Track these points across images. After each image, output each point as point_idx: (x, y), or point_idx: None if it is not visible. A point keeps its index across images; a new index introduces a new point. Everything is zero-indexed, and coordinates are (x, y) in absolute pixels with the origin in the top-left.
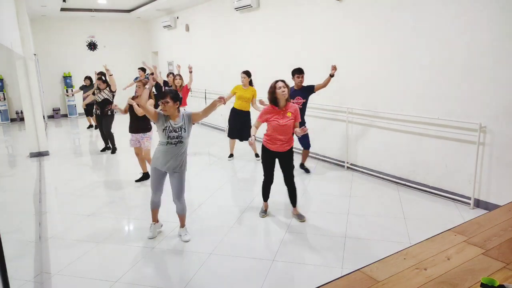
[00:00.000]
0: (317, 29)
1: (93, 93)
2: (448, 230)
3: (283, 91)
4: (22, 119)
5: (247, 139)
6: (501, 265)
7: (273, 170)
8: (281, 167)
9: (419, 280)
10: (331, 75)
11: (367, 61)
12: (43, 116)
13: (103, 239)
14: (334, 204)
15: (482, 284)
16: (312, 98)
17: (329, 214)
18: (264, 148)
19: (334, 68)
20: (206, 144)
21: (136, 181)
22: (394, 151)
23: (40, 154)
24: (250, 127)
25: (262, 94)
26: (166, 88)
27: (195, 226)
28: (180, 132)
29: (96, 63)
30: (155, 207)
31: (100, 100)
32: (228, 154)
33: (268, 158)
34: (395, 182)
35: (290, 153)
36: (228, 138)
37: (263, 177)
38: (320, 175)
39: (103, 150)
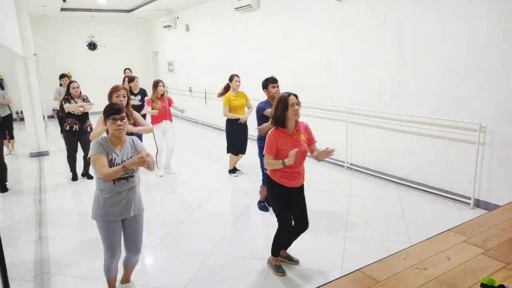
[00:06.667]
0: (317, 29)
1: (68, 102)
2: (448, 230)
3: (297, 110)
4: (22, 119)
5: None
6: (501, 265)
7: (291, 213)
8: (296, 204)
9: (419, 280)
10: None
11: (367, 61)
12: (43, 116)
13: None
14: (334, 204)
15: (482, 284)
16: (312, 98)
17: (329, 214)
18: (279, 188)
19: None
20: (206, 143)
21: None
22: (394, 151)
23: (40, 154)
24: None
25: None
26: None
27: (195, 227)
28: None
29: (96, 63)
30: (115, 273)
31: (80, 113)
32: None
33: (287, 198)
34: (395, 182)
35: (303, 186)
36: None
37: (278, 228)
38: (320, 175)
39: (85, 174)
